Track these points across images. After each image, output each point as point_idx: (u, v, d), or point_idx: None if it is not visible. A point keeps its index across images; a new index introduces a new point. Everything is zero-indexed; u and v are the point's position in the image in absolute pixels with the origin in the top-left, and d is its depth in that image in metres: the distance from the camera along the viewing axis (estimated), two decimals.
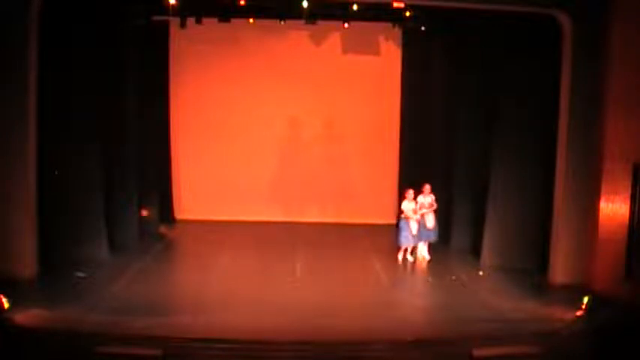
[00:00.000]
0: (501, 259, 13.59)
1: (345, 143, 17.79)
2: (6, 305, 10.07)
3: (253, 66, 17.34)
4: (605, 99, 11.80)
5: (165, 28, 16.79)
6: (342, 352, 9.68)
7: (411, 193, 14.05)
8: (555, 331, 10.31)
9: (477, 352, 9.48)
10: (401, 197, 14.54)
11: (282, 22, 16.22)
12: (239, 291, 11.96)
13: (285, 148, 17.91)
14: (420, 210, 14.00)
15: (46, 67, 11.92)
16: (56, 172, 12.83)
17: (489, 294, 12.12)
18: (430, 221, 14.16)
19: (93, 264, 12.82)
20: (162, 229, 16.60)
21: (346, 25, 16.22)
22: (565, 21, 12.07)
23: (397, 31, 17.21)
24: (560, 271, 12.41)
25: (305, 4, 13.62)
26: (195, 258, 14.53)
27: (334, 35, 17.39)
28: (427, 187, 14.20)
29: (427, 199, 14.11)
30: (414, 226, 13.97)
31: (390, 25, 16.71)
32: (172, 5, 13.72)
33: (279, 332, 10.04)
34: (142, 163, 15.31)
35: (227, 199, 17.69)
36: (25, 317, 9.98)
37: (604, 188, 11.63)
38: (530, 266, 13.26)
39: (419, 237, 14.14)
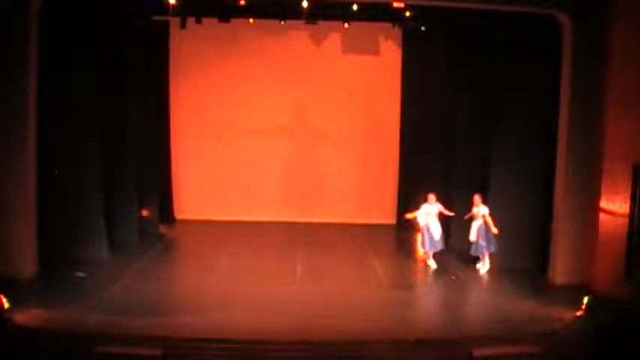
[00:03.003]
0: (501, 259, 13.59)
1: (345, 143, 17.78)
2: (6, 305, 10.08)
3: (253, 66, 17.33)
4: (605, 99, 11.81)
5: (165, 28, 16.77)
6: (342, 352, 9.68)
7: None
8: (555, 331, 10.32)
9: (476, 352, 9.48)
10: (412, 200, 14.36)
11: (282, 22, 16.19)
12: (239, 291, 11.96)
13: (285, 148, 17.91)
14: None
15: (46, 67, 11.93)
16: (56, 172, 12.83)
17: (489, 294, 12.13)
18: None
19: (93, 264, 12.83)
20: (162, 229, 16.59)
21: (346, 25, 16.21)
22: (565, 21, 12.08)
23: (397, 31, 17.19)
24: (560, 271, 12.43)
25: (305, 4, 13.62)
26: (195, 258, 14.53)
27: (334, 35, 17.38)
28: (431, 197, 13.79)
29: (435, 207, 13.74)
30: (435, 231, 13.74)
31: (390, 25, 16.68)
32: (172, 5, 13.70)
33: (279, 332, 10.05)
34: (142, 163, 15.31)
35: (227, 199, 17.69)
36: (25, 317, 9.99)
37: (604, 188, 11.64)
38: (530, 266, 13.28)
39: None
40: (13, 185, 11.57)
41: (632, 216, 10.94)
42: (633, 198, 10.93)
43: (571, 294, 11.49)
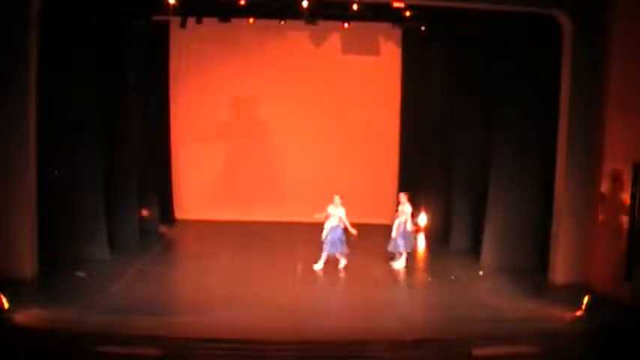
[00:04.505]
0: (501, 259, 13.59)
1: (345, 143, 17.77)
2: (6, 305, 10.07)
3: (253, 66, 17.34)
4: (605, 99, 11.81)
5: (165, 28, 16.79)
6: (342, 352, 9.69)
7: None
8: (555, 331, 10.32)
9: (476, 352, 9.49)
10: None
11: (282, 22, 16.22)
12: (239, 291, 11.95)
13: (284, 148, 17.91)
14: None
15: (46, 67, 11.92)
16: (56, 172, 12.83)
17: (489, 294, 12.13)
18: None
19: (93, 264, 12.83)
20: (162, 229, 16.59)
21: (346, 25, 16.23)
22: (565, 21, 12.08)
23: (397, 31, 17.21)
24: (560, 271, 12.43)
25: (305, 4, 13.62)
26: (195, 258, 14.51)
27: (334, 35, 17.38)
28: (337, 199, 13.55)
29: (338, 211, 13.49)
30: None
31: (390, 25, 16.70)
32: (172, 5, 13.70)
33: (279, 332, 10.05)
34: (142, 162, 15.32)
35: (227, 199, 17.69)
36: (25, 317, 9.98)
37: (604, 188, 11.64)
38: (530, 266, 13.28)
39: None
40: (13, 185, 11.57)
41: (632, 216, 10.94)
42: (633, 198, 10.94)
43: (571, 294, 11.48)
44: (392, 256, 13.86)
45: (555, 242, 12.55)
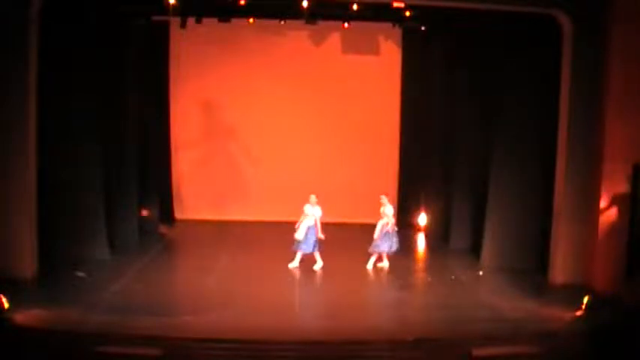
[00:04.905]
0: (501, 259, 13.59)
1: (345, 143, 17.79)
2: (6, 305, 10.07)
3: (253, 66, 17.35)
4: (605, 99, 11.82)
5: (165, 28, 16.81)
6: (342, 352, 9.68)
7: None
8: (555, 331, 10.32)
9: (476, 352, 9.49)
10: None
11: (282, 22, 16.23)
12: (239, 291, 11.96)
13: (284, 148, 17.91)
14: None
15: (46, 66, 11.93)
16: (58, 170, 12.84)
17: (489, 294, 12.13)
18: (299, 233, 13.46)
19: (93, 264, 12.84)
20: (162, 229, 16.60)
21: (346, 25, 16.23)
22: (565, 21, 12.09)
23: (397, 31, 17.22)
24: (560, 271, 12.43)
25: (305, 4, 13.63)
26: (195, 258, 14.53)
27: (334, 35, 17.40)
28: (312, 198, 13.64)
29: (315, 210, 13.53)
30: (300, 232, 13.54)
31: (390, 25, 16.71)
32: (172, 5, 13.70)
33: (279, 332, 10.05)
34: (142, 162, 15.33)
35: (227, 199, 17.70)
36: (25, 317, 9.98)
37: (604, 188, 11.64)
38: (530, 266, 13.27)
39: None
40: (13, 185, 11.57)
41: (632, 216, 10.95)
42: (633, 198, 10.94)
43: (571, 294, 11.48)
44: (379, 258, 13.80)
45: (555, 242, 12.55)
